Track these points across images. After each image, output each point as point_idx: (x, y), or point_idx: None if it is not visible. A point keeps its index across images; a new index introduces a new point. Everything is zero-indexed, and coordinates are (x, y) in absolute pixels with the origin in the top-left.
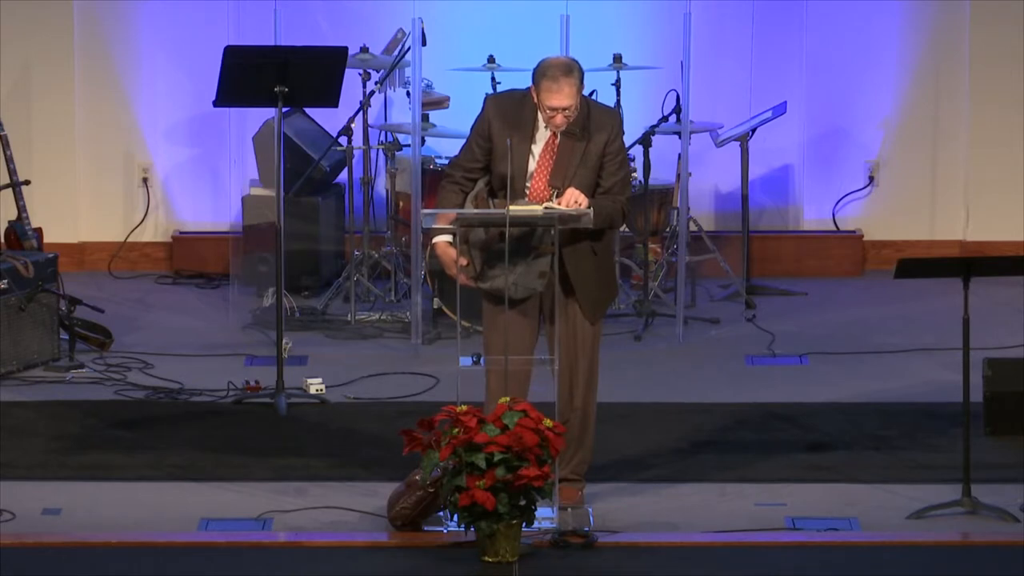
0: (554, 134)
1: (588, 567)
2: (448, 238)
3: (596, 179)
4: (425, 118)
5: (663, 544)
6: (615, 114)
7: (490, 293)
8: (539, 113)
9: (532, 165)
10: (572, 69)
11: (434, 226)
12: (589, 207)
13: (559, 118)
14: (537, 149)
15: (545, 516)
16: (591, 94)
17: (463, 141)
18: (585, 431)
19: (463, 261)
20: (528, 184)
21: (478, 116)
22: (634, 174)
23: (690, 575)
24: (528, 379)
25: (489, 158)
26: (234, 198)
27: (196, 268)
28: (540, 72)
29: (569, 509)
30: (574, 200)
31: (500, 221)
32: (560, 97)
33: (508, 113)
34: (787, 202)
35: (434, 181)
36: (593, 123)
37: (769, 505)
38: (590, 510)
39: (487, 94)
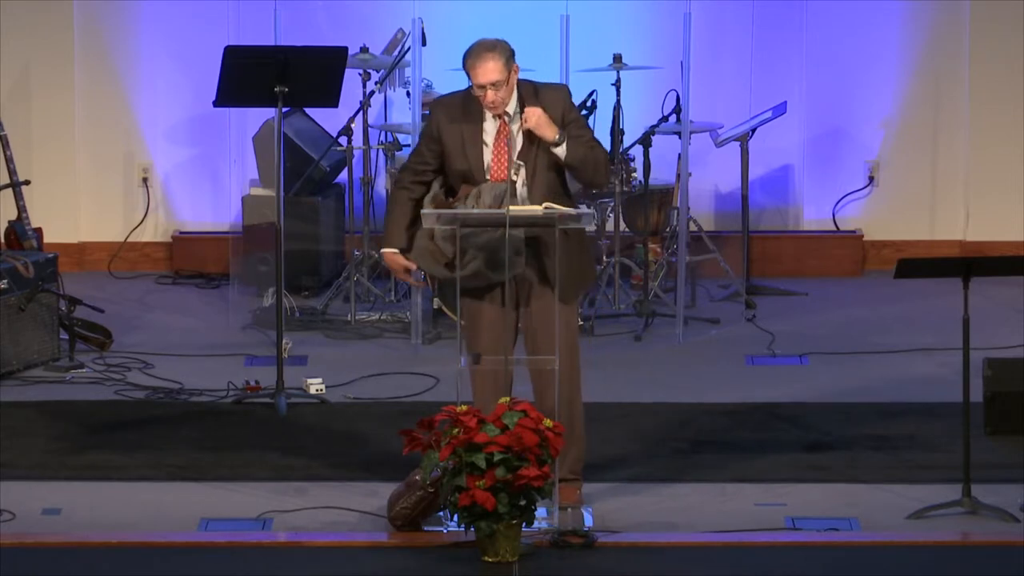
0: (504, 123)
1: (588, 567)
2: (394, 249)
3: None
4: (425, 118)
5: (663, 544)
6: (563, 88)
7: (467, 288)
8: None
9: (488, 156)
10: (495, 46)
11: (434, 225)
12: (560, 135)
13: (489, 95)
14: (490, 139)
15: (545, 516)
16: (591, 94)
17: None
18: (573, 425)
19: (412, 266)
20: (487, 177)
21: (426, 122)
22: (634, 174)
23: (690, 575)
24: (510, 379)
25: (440, 160)
26: (234, 198)
27: (196, 268)
28: (465, 55)
29: (569, 509)
30: (535, 117)
31: (500, 221)
32: (484, 72)
33: (454, 110)
34: (787, 202)
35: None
36: (542, 102)
37: (769, 505)
38: (590, 510)
39: (432, 100)
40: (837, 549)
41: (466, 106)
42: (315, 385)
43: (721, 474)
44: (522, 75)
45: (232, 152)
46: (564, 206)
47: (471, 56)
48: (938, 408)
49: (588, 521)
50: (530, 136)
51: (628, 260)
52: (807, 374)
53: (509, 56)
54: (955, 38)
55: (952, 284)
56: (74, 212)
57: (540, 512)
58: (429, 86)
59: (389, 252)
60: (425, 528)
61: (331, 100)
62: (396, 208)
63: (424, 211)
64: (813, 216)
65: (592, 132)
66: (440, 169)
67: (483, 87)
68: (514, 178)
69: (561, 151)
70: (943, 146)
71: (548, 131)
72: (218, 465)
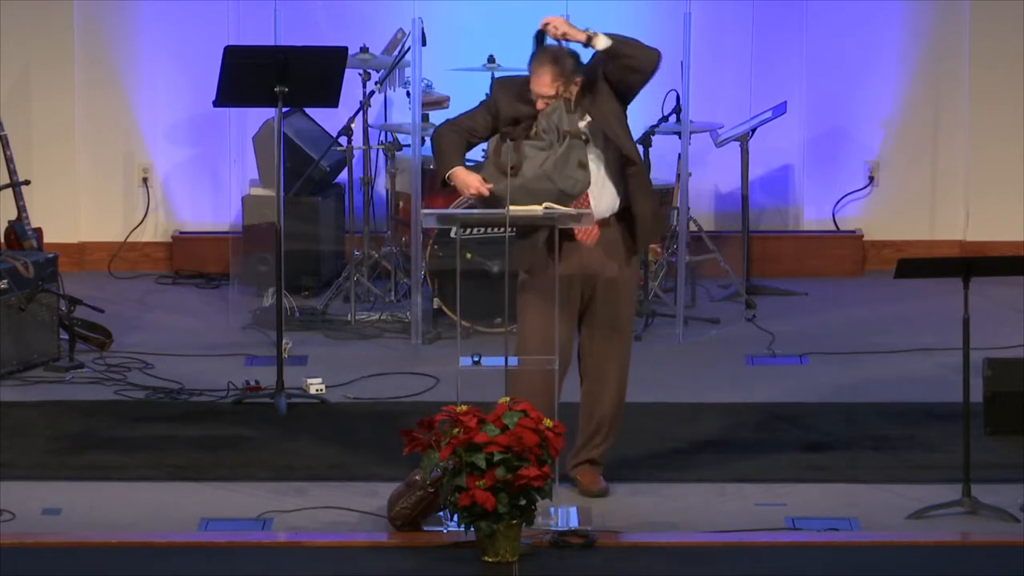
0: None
1: (588, 567)
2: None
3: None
4: (425, 118)
5: (663, 544)
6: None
7: (526, 262)
8: None
9: None
10: (557, 59)
11: (434, 225)
12: (589, 32)
13: (540, 104)
14: None
15: (545, 516)
16: None
17: None
18: (620, 410)
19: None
20: None
21: (488, 95)
22: None
23: (690, 575)
24: (560, 381)
25: (488, 133)
26: (234, 198)
27: (196, 268)
28: (532, 56)
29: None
30: (562, 23)
31: (500, 221)
32: (538, 84)
33: (514, 92)
34: (787, 202)
35: (434, 181)
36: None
37: (769, 505)
38: (590, 510)
39: (496, 78)
40: (837, 549)
41: (528, 90)
42: (315, 385)
43: (721, 474)
44: (519, 75)
45: (232, 152)
46: (631, 162)
47: (533, 61)
48: (938, 408)
49: (574, 521)
50: (601, 111)
51: None
52: (807, 374)
53: (570, 72)
54: (955, 38)
55: (952, 284)
56: (74, 212)
57: (548, 512)
58: (429, 86)
59: (459, 170)
60: (425, 528)
61: (331, 100)
62: (447, 142)
63: (424, 211)
64: (813, 216)
65: None
66: (483, 139)
67: (537, 96)
68: (580, 126)
69: (601, 42)
70: (943, 146)
71: (575, 32)
72: (218, 465)
